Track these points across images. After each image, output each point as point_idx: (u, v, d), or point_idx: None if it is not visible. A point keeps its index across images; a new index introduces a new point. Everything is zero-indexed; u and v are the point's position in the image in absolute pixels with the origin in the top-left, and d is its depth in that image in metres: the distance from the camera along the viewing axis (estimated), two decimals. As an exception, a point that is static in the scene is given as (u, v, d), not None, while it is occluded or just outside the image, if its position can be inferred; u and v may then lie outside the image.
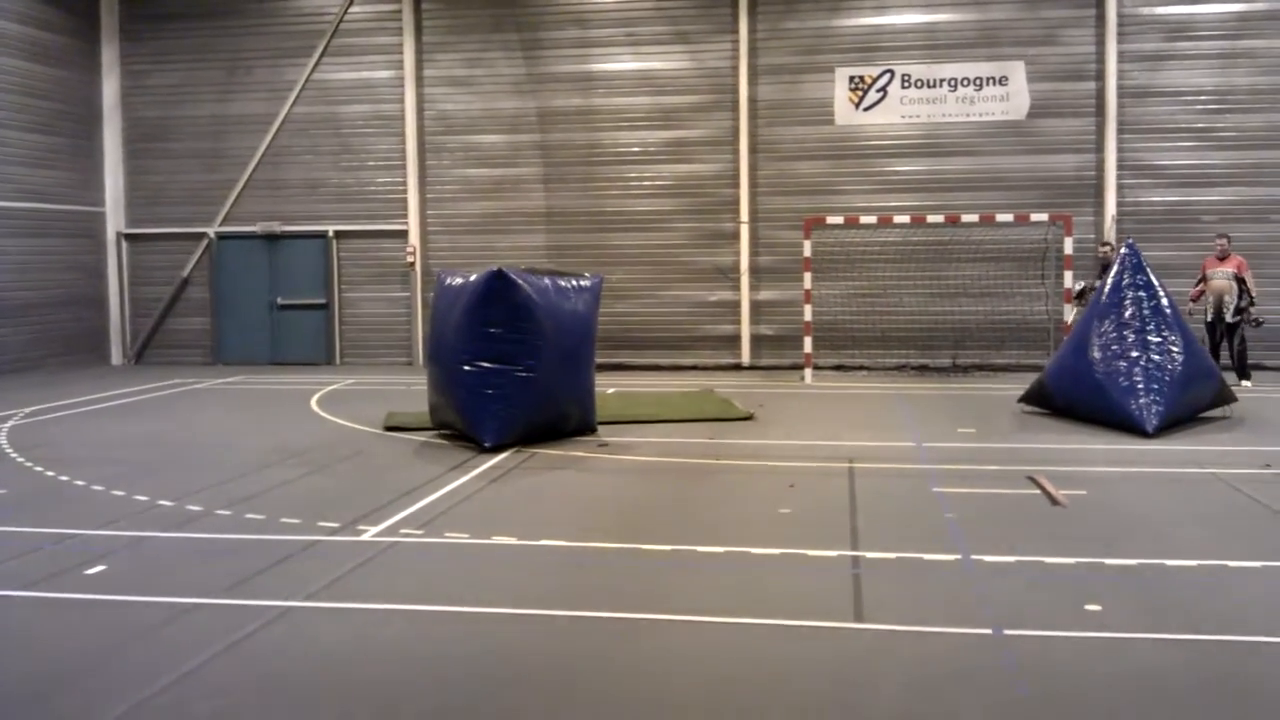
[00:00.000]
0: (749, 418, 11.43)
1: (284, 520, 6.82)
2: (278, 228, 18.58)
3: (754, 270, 17.47)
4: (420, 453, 9.66)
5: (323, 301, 18.73)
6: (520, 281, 9.75)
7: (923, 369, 16.23)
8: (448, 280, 10.55)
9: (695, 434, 10.49)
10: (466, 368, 9.57)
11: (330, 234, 18.64)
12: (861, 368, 16.30)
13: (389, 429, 10.75)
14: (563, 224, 18.10)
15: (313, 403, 13.19)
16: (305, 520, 6.81)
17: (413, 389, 13.64)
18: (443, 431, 10.37)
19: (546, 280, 10.17)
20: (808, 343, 15.46)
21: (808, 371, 15.24)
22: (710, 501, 7.47)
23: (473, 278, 10.11)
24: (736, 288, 17.60)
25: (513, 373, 9.53)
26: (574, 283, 10.40)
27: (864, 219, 15.71)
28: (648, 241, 17.91)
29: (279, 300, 18.65)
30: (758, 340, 17.50)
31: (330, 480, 8.34)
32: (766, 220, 17.54)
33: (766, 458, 9.19)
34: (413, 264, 18.23)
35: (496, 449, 9.44)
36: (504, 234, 18.18)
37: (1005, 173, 16.78)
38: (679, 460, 9.07)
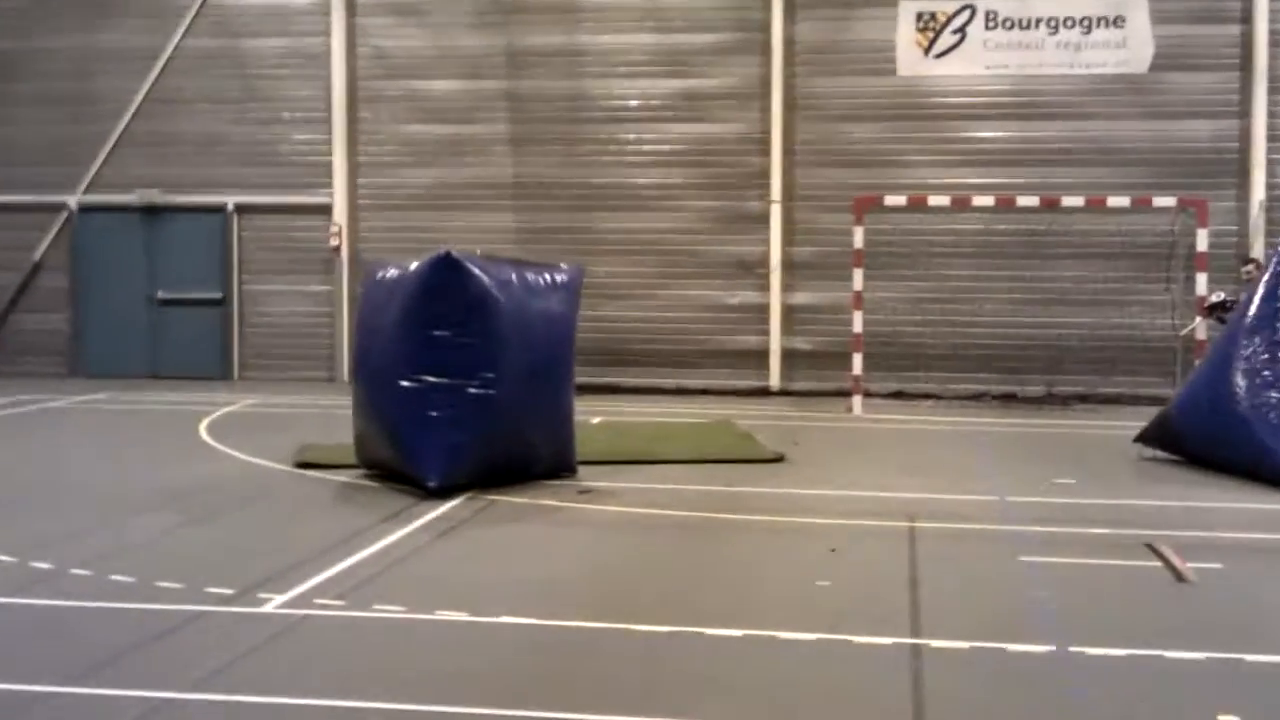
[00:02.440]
0: (778, 459, 11.43)
1: (161, 584, 6.76)
2: (160, 198, 18.34)
3: (787, 265, 17.33)
4: (343, 497, 9.63)
5: (218, 296, 18.63)
6: (476, 270, 9.71)
7: (1008, 399, 16.26)
8: (381, 273, 10.59)
9: (707, 479, 10.41)
10: (405, 384, 9.52)
11: (230, 207, 18.51)
12: (928, 396, 16.37)
13: (302, 466, 10.79)
14: (536, 200, 18.11)
15: (203, 429, 13.12)
16: (190, 584, 6.75)
17: (335, 413, 13.67)
18: (373, 470, 10.32)
19: (511, 271, 10.16)
20: (857, 362, 15.43)
21: (856, 400, 15.24)
22: (725, 569, 7.37)
23: (413, 266, 10.04)
24: (764, 288, 17.37)
25: (464, 390, 9.49)
26: (547, 276, 10.36)
27: (933, 200, 15.72)
28: (648, 225, 17.85)
29: (160, 294, 18.61)
30: (791, 357, 17.59)
31: (224, 532, 8.29)
32: (805, 199, 17.50)
33: (800, 512, 9.15)
34: (338, 249, 18.21)
35: (443, 493, 9.46)
36: (458, 211, 18.10)
37: (1120, 143, 16.68)
38: (684, 514, 9.03)
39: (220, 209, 18.61)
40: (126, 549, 7.70)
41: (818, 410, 15.44)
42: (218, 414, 14.58)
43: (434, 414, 9.56)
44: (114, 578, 6.90)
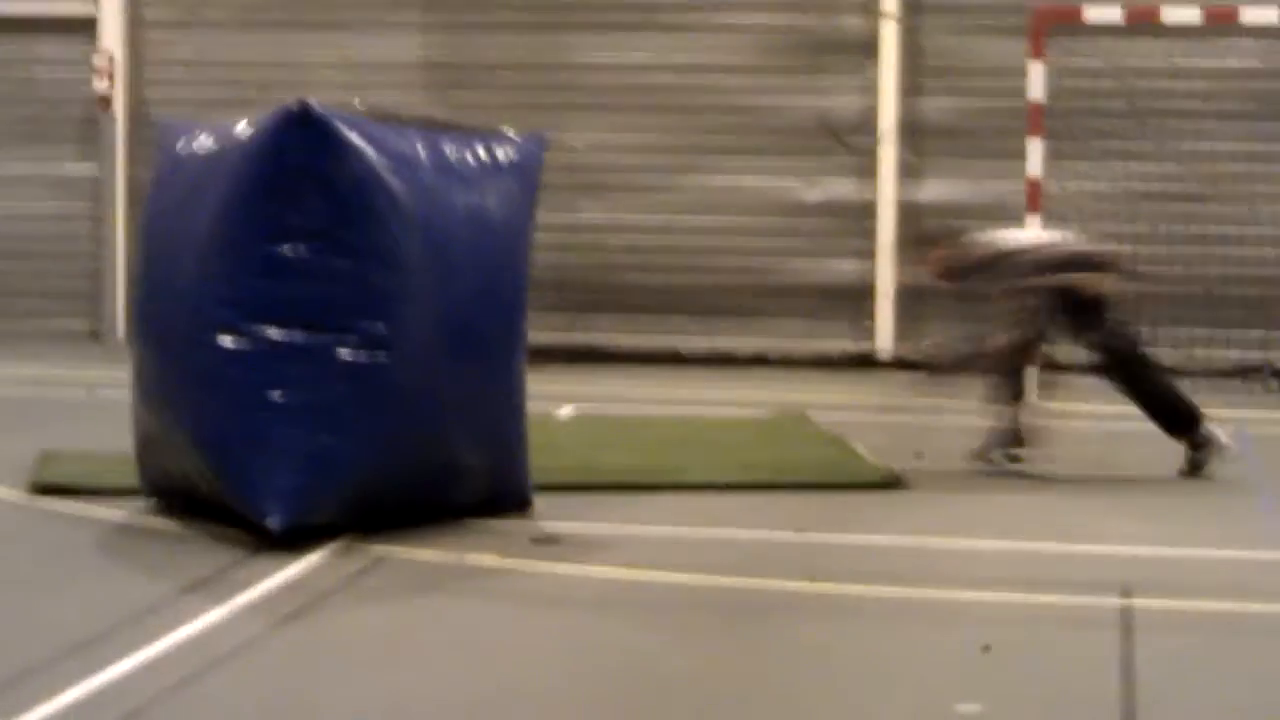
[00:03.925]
0: (890, 484, 11.31)
1: None
2: None
3: (909, 133, 17.94)
4: (115, 548, 9.48)
5: None
6: (354, 136, 9.31)
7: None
8: (184, 144, 10.07)
9: (761, 520, 10.22)
10: (225, 342, 9.28)
11: None
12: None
13: (44, 490, 10.61)
14: (462, 13, 18.46)
15: None
16: None
17: (102, 398, 13.37)
18: (169, 498, 10.07)
19: (418, 140, 9.81)
20: None
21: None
22: (794, 686, 7.10)
23: (242, 129, 9.69)
24: (867, 173, 17.98)
25: (333, 353, 9.26)
26: (482, 150, 10.03)
27: (1171, 14, 15.66)
28: (660, 59, 18.15)
29: None
30: (914, 301, 17.93)
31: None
32: (942, 11, 17.89)
33: (928, 581, 8.87)
34: (107, 100, 18.68)
35: (294, 541, 9.00)
36: (323, 32, 18.61)
37: None
38: (719, 583, 8.79)
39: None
40: None
41: (957, 396, 14.68)
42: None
43: (277, 397, 9.18)
44: None
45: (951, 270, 12.43)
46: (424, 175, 9.69)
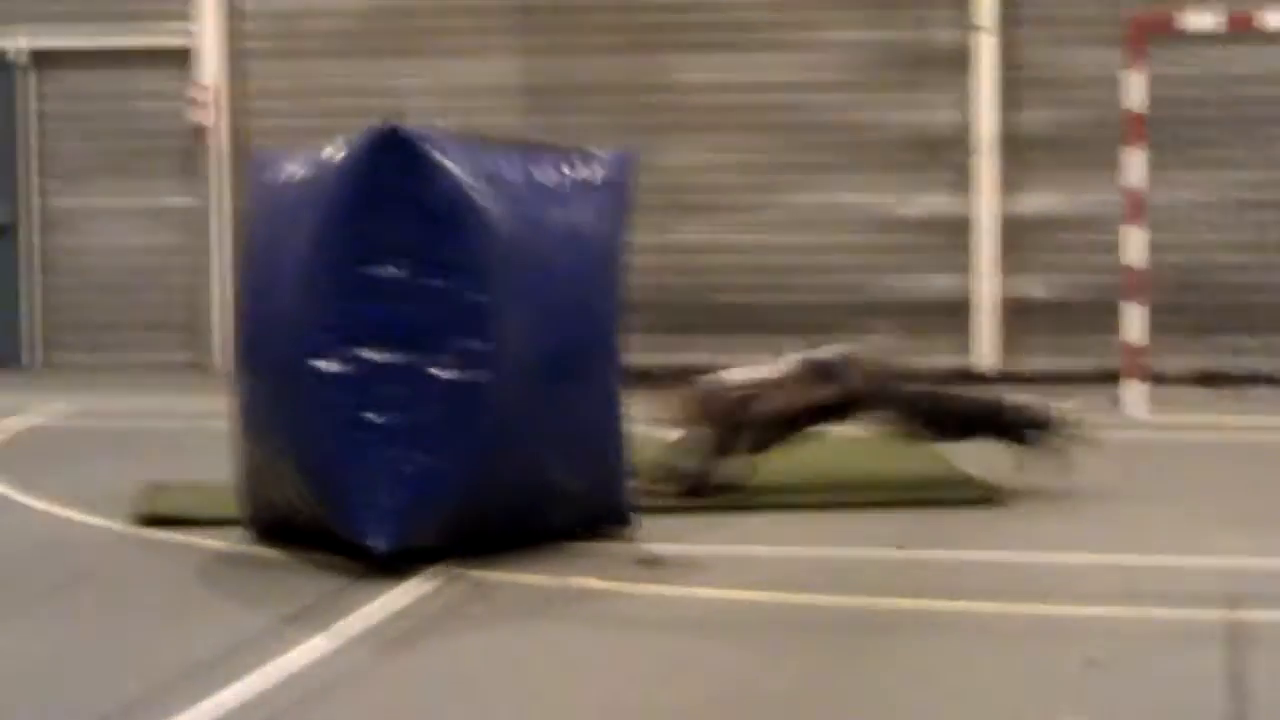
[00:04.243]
0: (989, 499, 11.35)
1: None
2: None
3: (1007, 146, 17.65)
4: (220, 579, 9.52)
5: (3, 219, 19.39)
6: (444, 157, 9.39)
7: None
8: (280, 172, 10.17)
9: (863, 538, 10.22)
10: (321, 365, 9.31)
11: (18, 56, 19.39)
12: (1267, 380, 16.72)
13: (148, 522, 10.59)
14: (555, 35, 18.36)
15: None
16: None
17: (205, 428, 13.11)
18: (273, 528, 9.99)
19: (508, 159, 9.87)
20: (1134, 320, 15.72)
21: (1133, 388, 15.48)
22: (896, 702, 7.14)
23: (334, 154, 9.76)
24: (964, 187, 17.83)
25: (430, 374, 9.30)
26: (574, 169, 10.10)
27: (1272, 19, 15.54)
28: (755, 76, 17.93)
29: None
30: (1015, 314, 17.86)
31: (7, 646, 8.12)
32: (1038, 23, 17.63)
33: (1032, 596, 8.83)
34: (205, 130, 18.82)
35: (397, 566, 9.03)
36: (416, 59, 18.60)
37: None
38: (825, 602, 8.78)
39: (2, 61, 19.17)
40: None
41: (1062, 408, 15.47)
42: (1, 431, 14.60)
43: (376, 418, 9.19)
44: None
45: (699, 416, 12.10)
46: (514, 194, 9.73)
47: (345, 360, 9.36)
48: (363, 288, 9.38)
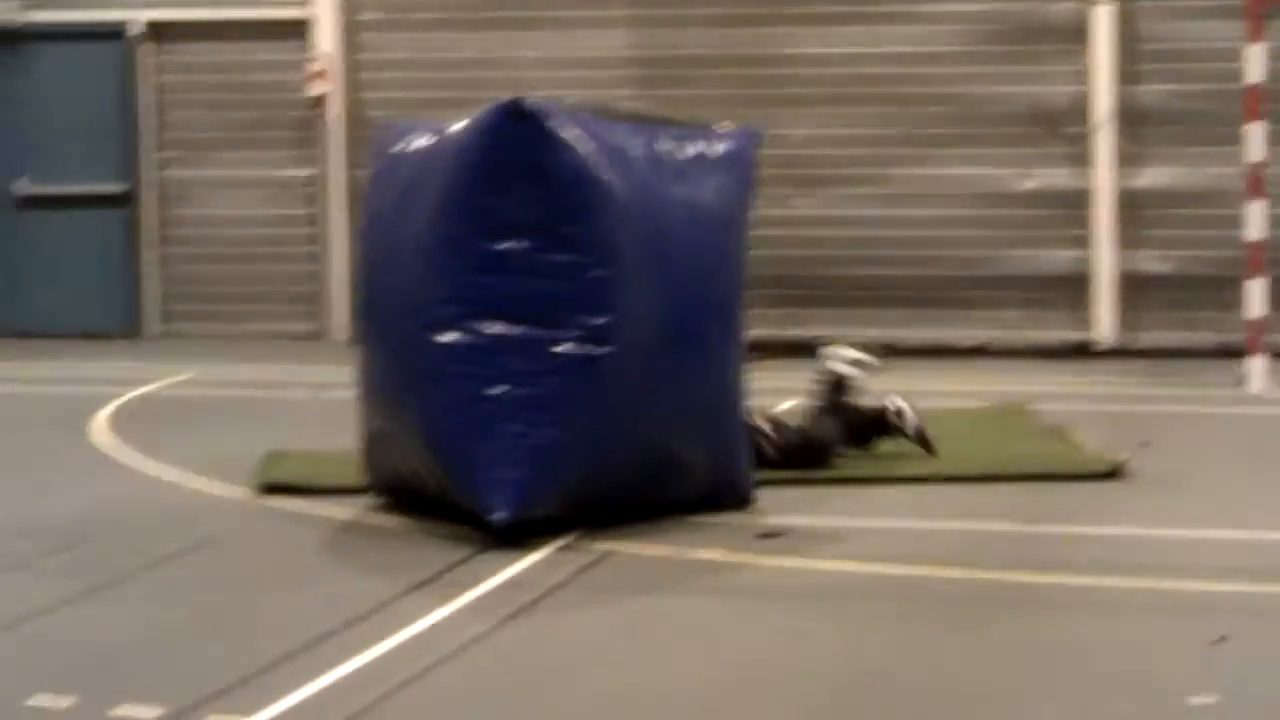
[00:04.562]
0: (1112, 474, 11.26)
1: (34, 703, 6.69)
2: (18, 15, 19.44)
3: (1124, 119, 17.57)
4: (342, 547, 9.65)
5: (120, 190, 19.38)
6: (568, 132, 9.39)
7: None
8: (400, 144, 10.23)
9: (985, 512, 10.22)
10: (444, 339, 9.40)
11: (136, 30, 19.43)
12: None
13: (271, 489, 10.71)
14: (674, 7, 18.47)
15: (98, 426, 13.37)
16: (84, 702, 6.66)
17: (326, 397, 13.69)
18: (395, 496, 10.18)
19: (632, 134, 9.88)
20: (1256, 295, 15.46)
21: (1256, 365, 15.23)
22: (1021, 677, 7.16)
23: (456, 127, 9.78)
24: (1082, 161, 17.69)
25: (552, 349, 9.38)
26: (696, 144, 10.10)
27: None
28: (873, 49, 17.96)
29: (21, 187, 19.50)
30: (1135, 288, 17.68)
31: (135, 610, 8.22)
32: None
33: (1157, 571, 8.82)
34: (323, 101, 18.99)
35: (519, 536, 9.15)
36: (534, 31, 18.52)
37: None
38: (950, 575, 8.80)
39: (118, 32, 19.19)
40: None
41: (1184, 384, 15.16)
42: (123, 399, 14.42)
43: (499, 393, 9.28)
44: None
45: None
46: (638, 168, 9.73)
47: (467, 333, 9.45)
48: (485, 262, 9.45)
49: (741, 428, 10.28)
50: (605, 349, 9.43)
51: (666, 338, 9.68)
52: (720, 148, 10.22)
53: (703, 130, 10.40)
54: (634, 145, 9.82)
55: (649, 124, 10.29)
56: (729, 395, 10.16)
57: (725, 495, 10.15)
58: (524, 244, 9.42)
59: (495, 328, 9.43)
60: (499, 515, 9.16)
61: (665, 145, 9.99)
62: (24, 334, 19.19)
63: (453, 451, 9.47)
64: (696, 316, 9.86)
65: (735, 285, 10.18)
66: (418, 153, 10.10)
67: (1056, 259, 17.48)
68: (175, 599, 8.56)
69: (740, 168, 10.22)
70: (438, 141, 9.94)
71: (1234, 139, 15.51)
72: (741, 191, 10.25)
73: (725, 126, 10.57)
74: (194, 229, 19.61)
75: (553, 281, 9.41)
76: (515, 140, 9.38)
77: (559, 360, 9.40)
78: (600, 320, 9.42)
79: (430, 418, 9.56)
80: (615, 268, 9.48)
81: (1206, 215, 17.07)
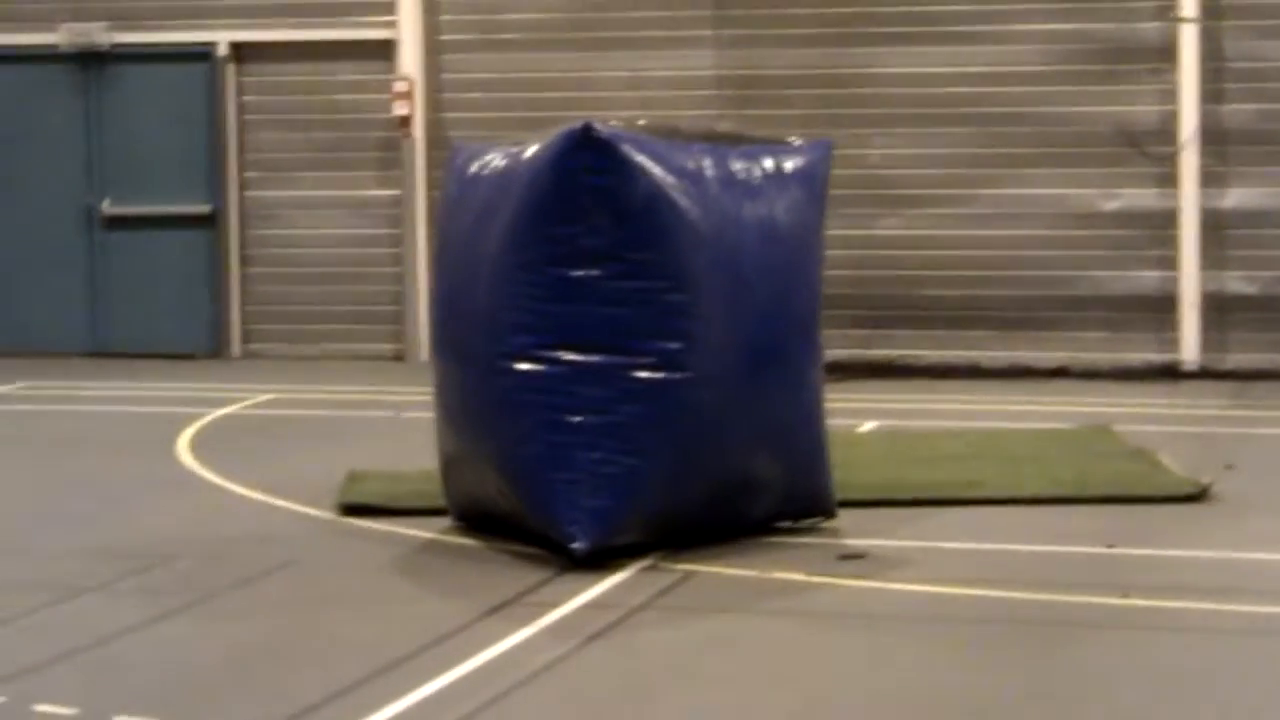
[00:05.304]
0: (1198, 496, 11.28)
1: None
2: (104, 36, 19.48)
3: (1210, 139, 17.53)
4: (422, 569, 9.73)
5: (205, 211, 19.50)
6: (641, 155, 9.41)
7: None
8: (476, 166, 10.27)
9: (1070, 534, 10.24)
10: (520, 366, 9.47)
11: (221, 51, 19.52)
12: None
13: (351, 510, 10.91)
14: (753, 28, 18.27)
15: (181, 446, 13.57)
16: None
17: (408, 418, 13.80)
18: (474, 519, 10.30)
19: (701, 154, 9.85)
20: None
21: None
22: (1103, 700, 7.13)
23: (529, 151, 9.79)
24: (1168, 181, 17.63)
25: (630, 375, 9.38)
26: (764, 159, 10.08)
27: None
28: (953, 68, 18.01)
29: (107, 207, 19.51)
30: (1221, 308, 17.61)
31: (217, 630, 8.32)
32: (1243, 13, 17.53)
33: (1241, 594, 8.81)
34: (407, 121, 19.01)
35: (599, 560, 9.20)
36: (614, 51, 18.61)
37: None
38: (1028, 599, 8.81)
39: (205, 54, 19.13)
40: (55, 658, 7.65)
41: (1269, 406, 15.24)
42: (206, 419, 14.66)
43: (576, 420, 9.32)
44: (37, 708, 6.89)
45: None
46: (710, 190, 9.75)
47: (544, 362, 9.51)
48: (560, 289, 9.50)
49: (822, 441, 10.21)
50: (681, 374, 9.47)
51: (745, 359, 9.69)
52: (791, 163, 10.21)
53: (774, 146, 10.41)
54: (705, 166, 9.86)
55: (720, 143, 10.26)
56: (809, 414, 10.17)
57: (809, 513, 10.29)
58: (596, 271, 9.46)
59: (570, 356, 9.47)
60: (579, 545, 9.23)
61: (737, 164, 10.00)
62: (108, 354, 19.28)
63: (530, 480, 9.54)
64: (775, 335, 9.88)
65: (812, 300, 10.19)
66: (492, 175, 10.16)
67: (1141, 279, 17.38)
68: (257, 620, 8.65)
69: (812, 182, 10.25)
70: (511, 165, 10.00)
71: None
72: (814, 206, 10.26)
73: (795, 140, 10.45)
74: (277, 249, 19.81)
75: (627, 308, 9.44)
76: (585, 166, 9.43)
77: (635, 387, 9.43)
78: (675, 345, 9.45)
79: (506, 445, 9.65)
80: (689, 292, 9.51)
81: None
